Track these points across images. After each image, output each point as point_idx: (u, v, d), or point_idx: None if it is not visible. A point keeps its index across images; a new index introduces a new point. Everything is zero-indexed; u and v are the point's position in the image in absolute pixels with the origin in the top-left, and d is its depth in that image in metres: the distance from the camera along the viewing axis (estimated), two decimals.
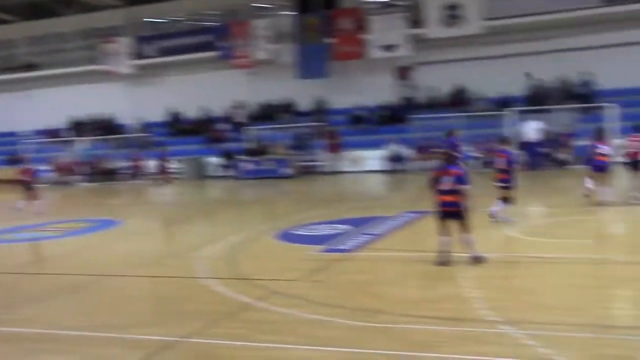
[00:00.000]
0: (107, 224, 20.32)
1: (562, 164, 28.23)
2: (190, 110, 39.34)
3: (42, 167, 31.88)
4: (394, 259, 13.48)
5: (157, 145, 36.84)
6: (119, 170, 36.96)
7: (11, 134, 42.69)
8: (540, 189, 22.99)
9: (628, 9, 30.40)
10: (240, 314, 10.08)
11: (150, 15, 40.99)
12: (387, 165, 31.39)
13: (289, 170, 31.51)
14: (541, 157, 28.31)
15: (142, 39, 40.80)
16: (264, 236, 16.68)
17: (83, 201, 30.04)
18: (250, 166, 33.18)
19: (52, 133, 42.06)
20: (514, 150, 16.97)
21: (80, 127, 41.94)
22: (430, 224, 17.09)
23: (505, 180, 16.03)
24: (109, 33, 41.10)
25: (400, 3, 35.09)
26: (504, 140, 17.58)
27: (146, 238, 18.51)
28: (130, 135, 39.55)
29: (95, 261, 15.00)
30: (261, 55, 36.63)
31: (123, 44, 40.49)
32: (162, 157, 34.52)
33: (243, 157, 33.92)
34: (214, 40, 38.23)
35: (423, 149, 30.73)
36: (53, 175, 36.54)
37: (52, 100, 42.07)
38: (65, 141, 40.39)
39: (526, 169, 27.01)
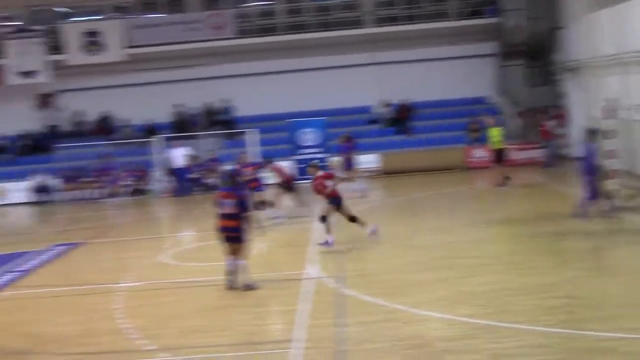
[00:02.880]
0: None
1: (209, 188, 29.34)
2: None
3: None
4: (45, 295, 13.07)
5: None
6: None
7: None
8: (190, 214, 23.71)
9: (258, 41, 32.61)
10: None
11: None
12: (32, 197, 29.95)
13: None
14: (190, 182, 29.13)
15: None
16: None
17: None
18: None
19: None
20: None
21: None
22: (83, 255, 16.90)
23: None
24: None
25: (38, 28, 33.74)
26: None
27: None
28: None
29: None
30: None
31: None
32: None
33: None
34: None
35: (71, 179, 29.89)
36: None
37: None
38: None
39: (175, 195, 27.70)
